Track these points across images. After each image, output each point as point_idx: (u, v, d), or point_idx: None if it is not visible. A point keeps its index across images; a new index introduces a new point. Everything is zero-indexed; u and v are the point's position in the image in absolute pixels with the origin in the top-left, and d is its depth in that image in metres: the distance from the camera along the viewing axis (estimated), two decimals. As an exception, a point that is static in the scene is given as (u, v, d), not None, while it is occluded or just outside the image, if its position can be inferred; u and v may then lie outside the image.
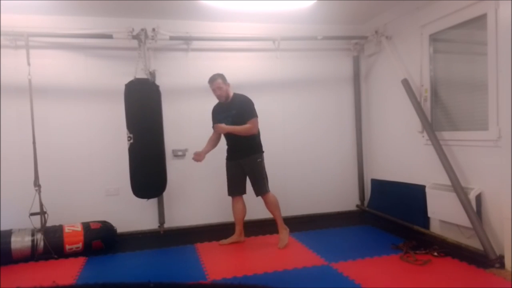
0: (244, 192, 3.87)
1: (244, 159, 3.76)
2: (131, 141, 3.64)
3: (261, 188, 3.74)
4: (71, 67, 4.21)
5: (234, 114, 3.71)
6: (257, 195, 3.78)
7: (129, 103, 3.71)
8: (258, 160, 3.75)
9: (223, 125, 3.70)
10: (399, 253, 3.37)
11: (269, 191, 3.78)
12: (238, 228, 3.90)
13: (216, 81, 3.72)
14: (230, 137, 3.80)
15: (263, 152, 3.82)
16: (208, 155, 4.54)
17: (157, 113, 3.80)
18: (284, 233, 3.78)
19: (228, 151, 3.89)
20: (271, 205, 3.78)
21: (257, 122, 3.73)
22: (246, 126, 3.66)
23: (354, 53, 4.95)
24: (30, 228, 3.65)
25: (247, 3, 3.97)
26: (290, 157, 4.75)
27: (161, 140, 3.83)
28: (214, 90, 3.76)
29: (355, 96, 5.02)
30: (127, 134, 3.67)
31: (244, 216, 3.90)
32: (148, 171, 3.71)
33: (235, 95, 3.82)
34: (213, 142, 3.90)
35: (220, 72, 4.55)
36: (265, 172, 3.80)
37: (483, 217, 3.32)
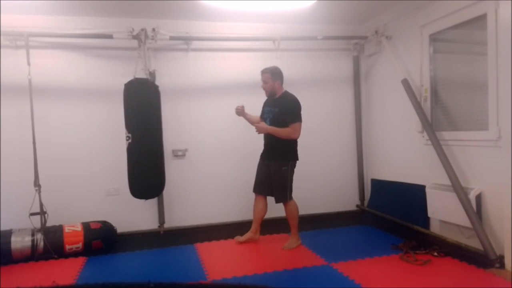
0: (268, 193, 3.79)
1: (271, 162, 3.71)
2: (130, 141, 3.64)
3: (279, 196, 3.69)
4: (71, 67, 4.21)
5: (276, 111, 3.64)
6: (276, 202, 3.74)
7: (128, 103, 3.70)
8: (283, 168, 3.63)
9: (263, 125, 3.62)
10: (399, 253, 3.37)
11: (290, 200, 3.70)
12: (255, 226, 3.87)
13: (264, 75, 3.69)
14: (267, 135, 3.73)
15: (295, 160, 3.70)
16: (208, 156, 4.57)
17: (156, 113, 3.79)
18: (294, 240, 3.75)
19: (263, 149, 3.84)
20: (289, 214, 3.73)
21: (299, 127, 3.58)
22: (287, 129, 3.56)
23: (354, 53, 4.95)
24: (30, 228, 3.65)
25: (247, 3, 3.97)
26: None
27: (160, 140, 3.82)
28: (262, 81, 3.73)
29: (355, 96, 5.02)
30: (125, 134, 3.67)
31: (262, 216, 3.86)
32: (146, 171, 3.70)
33: (286, 93, 3.73)
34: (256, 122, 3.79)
35: (220, 72, 4.57)
36: (290, 181, 3.68)
37: (483, 217, 3.32)
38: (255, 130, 3.68)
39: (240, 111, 3.76)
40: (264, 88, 3.73)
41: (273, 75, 3.67)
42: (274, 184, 3.71)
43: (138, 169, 3.69)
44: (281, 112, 3.62)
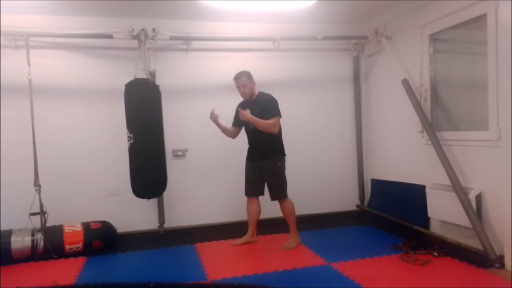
0: (261, 193, 3.83)
1: (263, 161, 3.71)
2: (131, 141, 3.64)
3: (277, 193, 3.70)
4: (71, 67, 4.21)
5: (256, 112, 3.63)
6: (272, 199, 3.73)
7: (129, 103, 3.70)
8: (278, 164, 3.67)
9: (247, 113, 3.58)
10: (399, 253, 3.37)
11: (287, 196, 3.72)
12: (251, 229, 3.88)
13: (241, 79, 3.69)
14: (252, 136, 3.74)
15: (284, 155, 3.75)
16: (208, 156, 4.57)
17: (157, 113, 3.80)
18: (294, 239, 3.75)
19: (249, 150, 3.84)
20: (287, 211, 3.73)
21: (279, 122, 3.63)
22: (268, 121, 3.57)
23: (354, 53, 4.95)
24: (30, 228, 3.65)
25: (247, 3, 3.97)
26: (289, 157, 4.72)
27: (161, 140, 3.83)
28: (238, 88, 3.73)
29: (355, 96, 5.02)
30: (127, 134, 3.67)
31: (258, 217, 3.87)
32: (148, 171, 3.70)
33: (261, 93, 3.76)
34: (229, 131, 3.86)
35: (220, 72, 4.57)
36: (285, 177, 3.72)
37: (483, 217, 3.32)
38: (238, 116, 3.67)
39: (214, 118, 3.72)
40: (243, 92, 3.72)
41: (248, 77, 3.70)
42: (270, 182, 3.72)
43: (140, 169, 3.69)
44: (262, 110, 3.63)
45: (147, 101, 3.72)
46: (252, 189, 3.82)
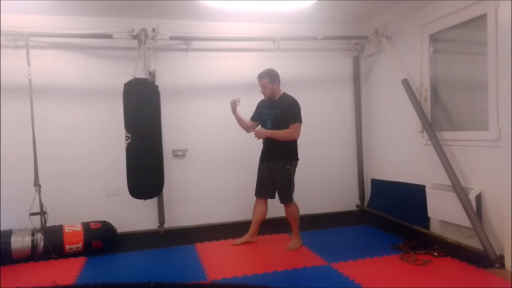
0: (271, 196, 3.80)
1: (274, 163, 3.70)
2: (129, 140, 3.64)
3: (284, 196, 3.69)
4: (71, 67, 4.21)
5: (278, 113, 3.64)
6: (281, 202, 3.73)
7: (127, 103, 3.71)
8: (287, 167, 3.65)
9: (262, 130, 3.65)
10: (399, 253, 3.37)
11: (292, 201, 3.71)
12: (253, 229, 3.87)
13: (263, 80, 3.68)
14: (266, 138, 3.74)
15: (297, 159, 3.72)
16: (208, 156, 4.57)
17: (155, 113, 3.79)
18: (297, 240, 3.74)
19: (262, 152, 3.83)
20: (292, 214, 3.73)
21: (299, 128, 3.62)
22: (287, 131, 3.59)
23: (354, 53, 4.95)
24: (30, 228, 3.65)
25: (247, 3, 3.97)
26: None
27: (159, 140, 3.83)
28: (260, 87, 3.73)
29: (355, 96, 5.02)
30: (125, 133, 3.67)
31: (262, 219, 3.85)
32: (145, 171, 3.70)
33: (285, 95, 3.75)
34: (246, 124, 3.83)
35: (220, 72, 4.57)
36: (293, 181, 3.70)
37: (483, 217, 3.32)
38: (254, 136, 3.68)
39: (234, 106, 3.71)
40: (263, 93, 3.73)
41: (270, 79, 3.68)
42: (278, 185, 3.71)
43: (136, 169, 3.69)
44: (284, 113, 3.63)
45: (145, 101, 3.72)
46: (261, 190, 3.81)
